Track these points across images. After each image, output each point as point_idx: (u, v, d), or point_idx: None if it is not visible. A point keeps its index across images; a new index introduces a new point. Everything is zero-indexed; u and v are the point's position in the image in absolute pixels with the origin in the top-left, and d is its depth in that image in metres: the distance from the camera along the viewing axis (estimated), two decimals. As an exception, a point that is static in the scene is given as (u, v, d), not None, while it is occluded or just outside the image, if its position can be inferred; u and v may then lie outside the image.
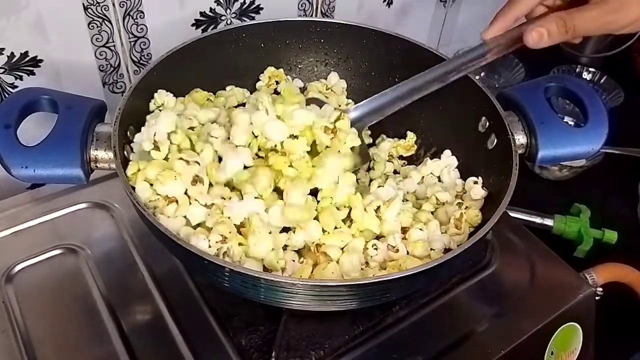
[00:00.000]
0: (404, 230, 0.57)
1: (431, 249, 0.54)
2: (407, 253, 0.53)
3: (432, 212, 0.59)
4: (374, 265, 0.53)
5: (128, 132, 0.56)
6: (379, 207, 0.56)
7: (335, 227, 0.54)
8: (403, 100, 0.62)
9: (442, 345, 0.56)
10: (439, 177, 0.64)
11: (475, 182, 0.59)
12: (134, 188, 0.51)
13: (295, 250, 0.54)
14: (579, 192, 0.91)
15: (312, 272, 0.52)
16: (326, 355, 0.54)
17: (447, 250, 0.55)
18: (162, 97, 0.61)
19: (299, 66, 0.74)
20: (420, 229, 0.55)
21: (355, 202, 0.55)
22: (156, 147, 0.54)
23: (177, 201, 0.53)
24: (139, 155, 0.55)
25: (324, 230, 0.54)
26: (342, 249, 0.53)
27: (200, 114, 0.59)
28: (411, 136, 0.69)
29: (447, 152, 0.65)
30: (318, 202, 0.55)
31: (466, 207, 0.56)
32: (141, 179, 0.53)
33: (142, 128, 0.55)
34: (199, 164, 0.54)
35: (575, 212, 0.85)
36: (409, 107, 0.65)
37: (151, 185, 0.53)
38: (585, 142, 0.56)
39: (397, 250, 0.53)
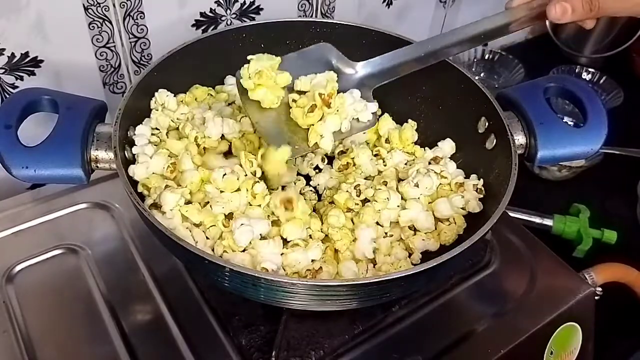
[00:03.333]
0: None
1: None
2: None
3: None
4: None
5: (128, 132, 0.56)
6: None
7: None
8: (418, 62, 0.58)
9: (442, 345, 0.56)
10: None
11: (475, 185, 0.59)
12: (135, 189, 0.51)
13: None
14: (579, 192, 0.91)
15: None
16: (326, 355, 0.54)
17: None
18: (163, 97, 0.61)
19: (299, 66, 0.74)
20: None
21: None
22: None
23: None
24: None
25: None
26: None
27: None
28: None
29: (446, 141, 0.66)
30: None
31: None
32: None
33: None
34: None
35: (575, 212, 0.85)
36: (408, 103, 0.64)
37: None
38: (584, 142, 0.56)
39: None
